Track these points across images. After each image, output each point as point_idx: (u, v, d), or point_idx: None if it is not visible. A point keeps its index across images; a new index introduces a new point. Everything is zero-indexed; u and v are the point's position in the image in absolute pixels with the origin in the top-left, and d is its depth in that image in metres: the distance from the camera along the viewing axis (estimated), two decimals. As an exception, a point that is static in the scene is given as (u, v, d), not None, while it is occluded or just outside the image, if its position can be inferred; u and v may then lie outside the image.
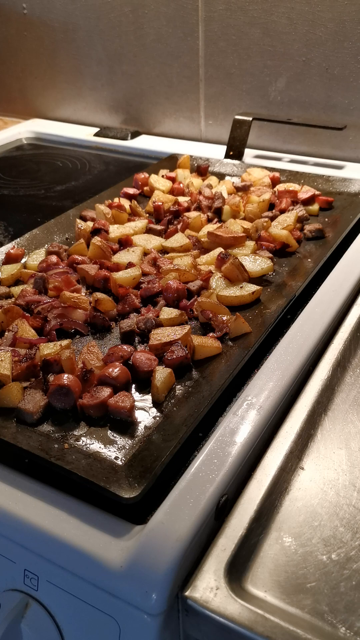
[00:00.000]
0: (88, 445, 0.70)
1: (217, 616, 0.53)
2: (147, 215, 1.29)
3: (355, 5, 1.41)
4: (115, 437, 0.72)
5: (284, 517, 0.64)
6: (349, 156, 1.57)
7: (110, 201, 1.30)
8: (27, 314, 0.93)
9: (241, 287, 0.97)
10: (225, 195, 1.29)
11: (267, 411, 0.74)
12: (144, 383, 0.80)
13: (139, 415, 0.75)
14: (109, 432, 0.73)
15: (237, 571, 0.58)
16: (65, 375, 0.77)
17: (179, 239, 1.12)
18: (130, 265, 1.04)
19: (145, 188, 1.40)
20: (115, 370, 0.78)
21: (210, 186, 1.34)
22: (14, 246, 1.15)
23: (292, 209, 1.24)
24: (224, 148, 1.58)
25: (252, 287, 0.97)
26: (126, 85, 1.83)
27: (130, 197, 1.35)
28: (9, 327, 0.89)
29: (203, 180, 1.43)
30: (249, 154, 1.60)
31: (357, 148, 1.55)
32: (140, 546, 0.59)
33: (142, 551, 0.58)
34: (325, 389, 0.79)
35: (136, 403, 0.77)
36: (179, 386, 0.80)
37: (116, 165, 1.67)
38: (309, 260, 1.10)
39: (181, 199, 1.32)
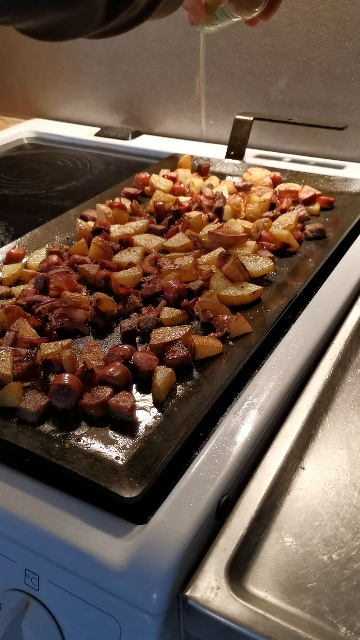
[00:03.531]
0: (89, 445, 0.70)
1: (218, 616, 0.53)
2: (148, 215, 1.29)
3: (356, 5, 1.41)
4: (116, 436, 0.72)
5: (284, 517, 0.64)
6: (349, 156, 1.57)
7: (111, 201, 1.30)
8: (28, 314, 0.93)
9: (242, 287, 0.97)
10: (226, 195, 1.29)
11: (268, 411, 0.74)
12: (145, 383, 0.80)
13: (140, 415, 0.75)
14: (110, 431, 0.73)
15: (237, 571, 0.58)
16: (66, 375, 0.77)
17: (179, 239, 1.12)
18: (131, 265, 1.04)
19: (146, 188, 1.40)
20: (116, 370, 0.78)
21: (211, 186, 1.34)
22: (14, 246, 1.15)
23: (293, 209, 1.24)
24: (224, 148, 1.58)
25: (253, 287, 0.97)
26: (127, 85, 1.83)
27: (131, 196, 1.35)
28: (10, 327, 0.89)
29: (204, 180, 1.43)
30: (249, 153, 1.60)
31: (358, 148, 1.55)
32: (141, 546, 0.59)
33: (142, 551, 0.58)
34: (326, 388, 0.79)
35: (137, 403, 0.77)
36: (179, 386, 0.80)
37: (117, 165, 1.67)
38: (310, 260, 1.10)
39: (182, 198, 1.32)
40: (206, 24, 0.86)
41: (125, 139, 1.78)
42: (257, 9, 0.85)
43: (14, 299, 0.98)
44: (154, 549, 0.58)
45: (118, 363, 0.80)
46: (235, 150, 1.56)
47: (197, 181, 1.40)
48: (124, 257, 1.08)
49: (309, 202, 1.28)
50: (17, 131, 1.91)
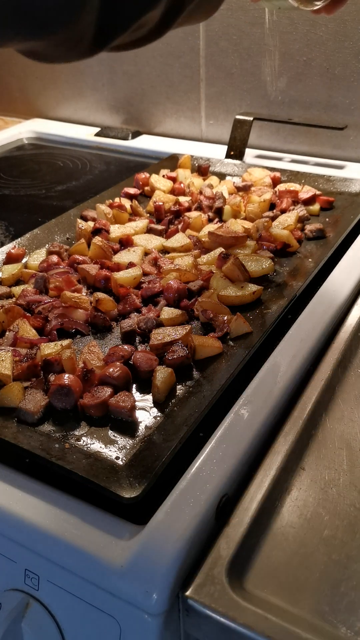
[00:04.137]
0: (89, 445, 0.70)
1: (218, 616, 0.53)
2: (148, 215, 1.29)
3: (356, 5, 1.41)
4: (115, 437, 0.72)
5: (284, 517, 0.64)
6: (349, 156, 1.57)
7: (111, 201, 1.30)
8: (27, 314, 0.93)
9: (242, 287, 0.97)
10: (226, 195, 1.29)
11: (268, 411, 0.74)
12: (145, 383, 0.80)
13: (140, 415, 0.75)
14: (110, 432, 0.73)
15: (237, 571, 0.58)
16: (66, 375, 0.77)
17: (179, 239, 1.12)
18: (131, 265, 1.04)
19: (146, 188, 1.40)
20: (116, 370, 0.78)
21: (211, 186, 1.34)
22: (14, 246, 1.15)
23: (293, 209, 1.24)
24: (224, 148, 1.58)
25: (252, 287, 0.97)
26: (127, 85, 1.83)
27: (131, 197, 1.35)
28: (9, 327, 0.89)
29: (204, 180, 1.43)
30: (249, 153, 1.59)
31: (358, 148, 1.55)
32: (140, 546, 0.59)
33: (142, 551, 0.58)
34: (326, 388, 0.79)
35: (137, 403, 0.77)
36: (179, 386, 0.80)
37: (117, 165, 1.67)
38: (310, 260, 1.10)
39: (182, 198, 1.32)
40: (267, 1, 0.84)
41: (125, 139, 1.78)
42: (318, 3, 0.80)
43: (14, 299, 0.98)
44: (153, 549, 0.58)
45: (118, 363, 0.80)
46: (235, 150, 1.56)
47: (197, 181, 1.40)
48: (124, 257, 1.08)
49: (309, 202, 1.28)
50: (17, 131, 1.91)
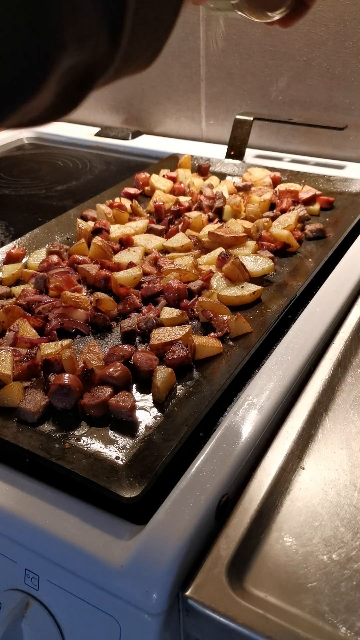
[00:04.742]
0: (89, 445, 0.70)
1: (218, 616, 0.53)
2: (148, 215, 1.29)
3: (357, 5, 1.41)
4: (115, 436, 0.72)
5: (284, 517, 0.64)
6: (350, 156, 1.57)
7: (111, 201, 1.30)
8: (28, 314, 0.93)
9: (242, 287, 0.97)
10: (226, 195, 1.29)
11: (268, 411, 0.74)
12: (145, 383, 0.80)
13: (140, 415, 0.75)
14: (110, 431, 0.73)
15: (237, 571, 0.58)
16: (66, 375, 0.77)
17: (179, 239, 1.12)
18: (131, 265, 1.04)
19: (146, 188, 1.40)
20: (116, 370, 0.78)
21: (211, 186, 1.34)
22: (14, 246, 1.15)
23: (293, 209, 1.24)
24: (225, 148, 1.58)
25: (253, 287, 0.97)
26: (127, 85, 1.83)
27: (131, 197, 1.35)
28: (10, 327, 0.89)
29: (204, 180, 1.43)
30: (249, 153, 1.60)
31: (358, 148, 1.55)
32: (140, 546, 0.59)
33: (142, 551, 0.58)
34: (326, 388, 0.79)
35: (137, 403, 0.77)
36: (179, 386, 0.80)
37: (117, 165, 1.67)
38: (310, 260, 1.10)
39: (182, 198, 1.32)
40: (214, 4, 0.71)
41: (125, 139, 1.78)
42: (272, 15, 0.69)
43: (14, 299, 0.98)
44: (153, 549, 0.58)
45: (118, 363, 0.80)
46: (235, 150, 1.56)
47: (197, 181, 1.40)
48: (124, 257, 1.08)
49: (309, 202, 1.28)
50: (17, 131, 1.91)
